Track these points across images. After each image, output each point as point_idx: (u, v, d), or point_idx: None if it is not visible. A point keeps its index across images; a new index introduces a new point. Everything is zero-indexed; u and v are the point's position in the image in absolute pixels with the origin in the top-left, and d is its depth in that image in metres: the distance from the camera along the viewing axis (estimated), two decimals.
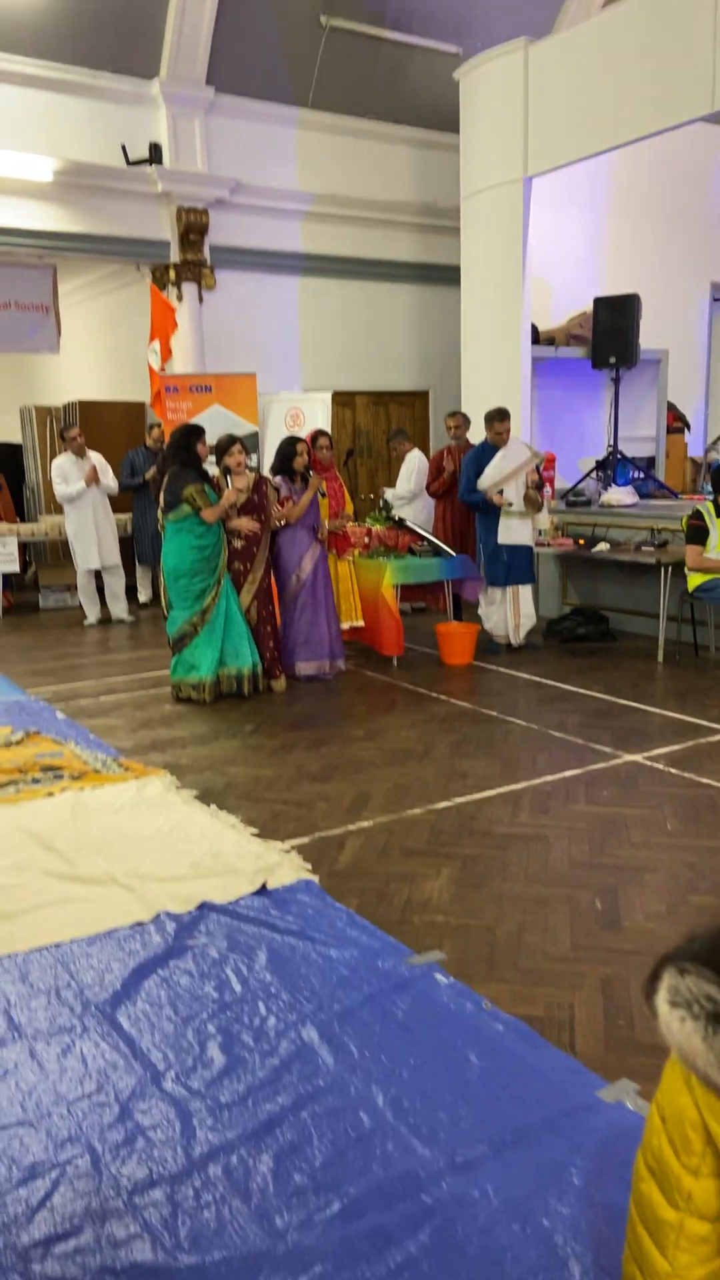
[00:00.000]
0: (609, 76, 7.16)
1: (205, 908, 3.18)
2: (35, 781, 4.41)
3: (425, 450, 9.21)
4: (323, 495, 6.32)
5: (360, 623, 6.72)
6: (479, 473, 6.79)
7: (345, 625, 6.63)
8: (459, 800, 4.15)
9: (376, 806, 4.10)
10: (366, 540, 7.04)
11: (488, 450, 6.85)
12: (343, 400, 10.21)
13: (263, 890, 3.29)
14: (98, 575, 8.68)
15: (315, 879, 3.38)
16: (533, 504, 6.82)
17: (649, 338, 8.95)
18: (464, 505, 7.28)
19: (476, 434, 7.64)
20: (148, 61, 8.57)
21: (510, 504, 6.75)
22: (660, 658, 6.60)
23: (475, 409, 8.15)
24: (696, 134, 9.49)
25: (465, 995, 2.64)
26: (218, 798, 4.23)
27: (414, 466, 8.31)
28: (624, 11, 7.11)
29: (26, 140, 8.23)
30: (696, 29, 6.47)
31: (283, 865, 3.47)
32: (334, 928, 3.03)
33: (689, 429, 10.04)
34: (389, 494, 8.26)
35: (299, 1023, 2.54)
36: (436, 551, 6.95)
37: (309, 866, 3.48)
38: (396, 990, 2.67)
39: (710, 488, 6.65)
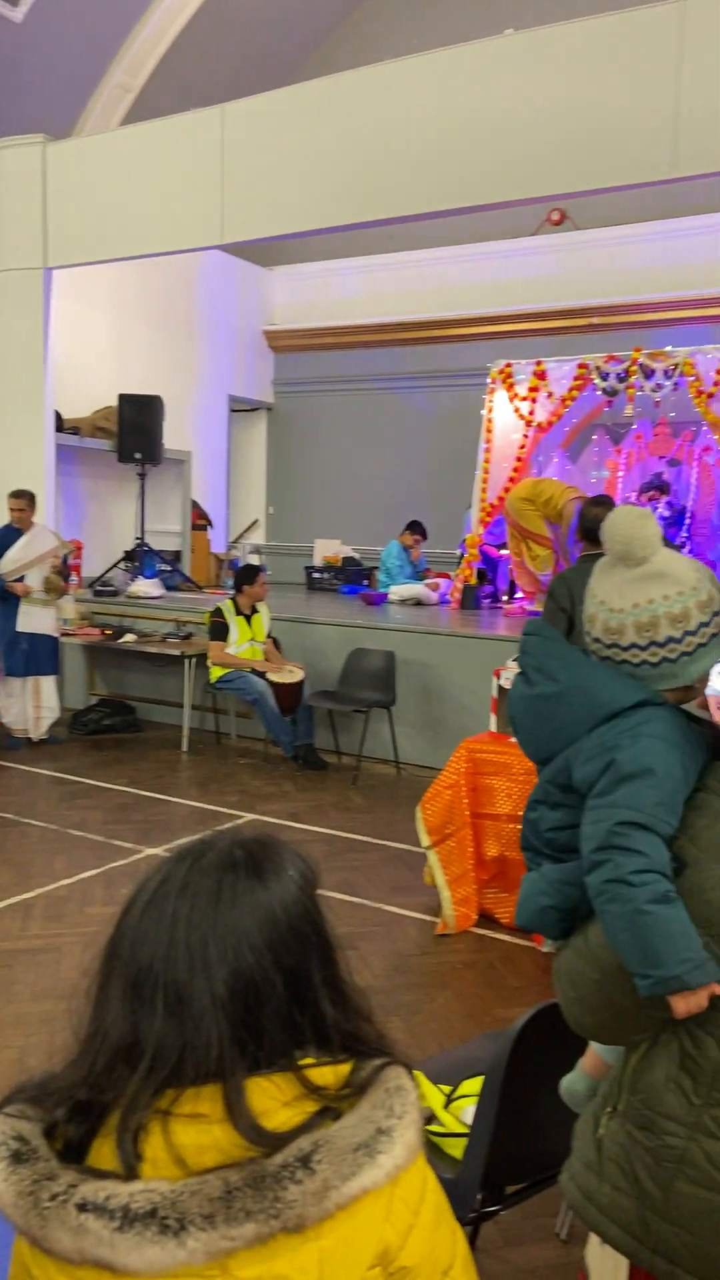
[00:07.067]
0: (127, 191, 7.35)
1: None
2: None
3: None
4: None
5: None
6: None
7: None
8: None
9: None
10: None
11: (11, 533, 6.52)
12: None
13: None
14: None
15: None
16: (55, 590, 6.61)
17: (173, 439, 9.32)
18: None
19: None
20: None
21: (32, 592, 6.47)
22: (185, 747, 6.68)
23: None
24: (220, 260, 10.28)
25: None
26: None
27: None
28: (139, 134, 7.44)
29: None
30: (205, 167, 6.91)
31: None
32: None
33: (211, 526, 10.57)
34: None
35: None
36: None
37: None
38: None
39: (232, 584, 6.97)
